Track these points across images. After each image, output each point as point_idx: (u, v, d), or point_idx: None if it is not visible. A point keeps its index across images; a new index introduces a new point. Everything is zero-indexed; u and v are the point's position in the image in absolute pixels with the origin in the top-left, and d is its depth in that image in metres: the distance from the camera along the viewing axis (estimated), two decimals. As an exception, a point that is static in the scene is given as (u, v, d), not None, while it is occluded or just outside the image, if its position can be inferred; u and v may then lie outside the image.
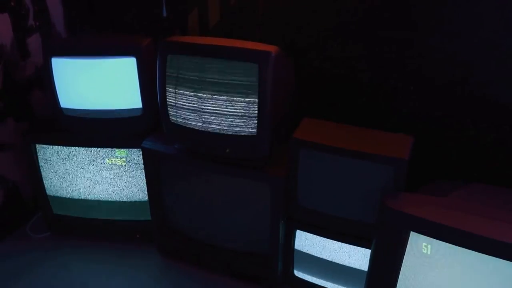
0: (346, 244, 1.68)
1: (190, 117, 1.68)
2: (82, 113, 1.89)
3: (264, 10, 1.96)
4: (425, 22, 1.69)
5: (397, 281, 1.38)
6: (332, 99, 1.96)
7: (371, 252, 1.45)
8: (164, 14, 2.17)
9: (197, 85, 1.62)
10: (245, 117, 1.60)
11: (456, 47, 1.67)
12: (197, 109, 1.66)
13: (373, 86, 1.87)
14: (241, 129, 1.63)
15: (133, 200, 2.04)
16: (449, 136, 1.79)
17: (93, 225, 2.12)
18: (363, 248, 1.64)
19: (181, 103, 1.68)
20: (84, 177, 2.01)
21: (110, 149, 1.94)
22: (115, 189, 2.02)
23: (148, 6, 2.19)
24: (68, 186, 2.04)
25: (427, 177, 1.68)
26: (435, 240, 1.27)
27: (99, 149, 1.94)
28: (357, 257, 1.68)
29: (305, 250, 1.78)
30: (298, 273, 1.85)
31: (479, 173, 1.74)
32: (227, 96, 1.59)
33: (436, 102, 1.77)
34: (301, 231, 1.75)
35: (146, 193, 1.97)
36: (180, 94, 1.66)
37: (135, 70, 1.79)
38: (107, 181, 2.01)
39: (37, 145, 1.97)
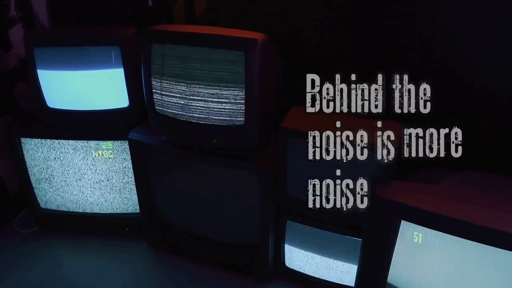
0: (337, 234, 1.66)
1: (177, 107, 1.65)
2: (67, 105, 1.85)
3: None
4: (415, 10, 1.68)
5: (388, 270, 1.37)
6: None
7: (362, 241, 1.44)
8: (150, 3, 2.14)
9: (183, 75, 1.59)
10: (232, 107, 1.58)
11: (447, 36, 1.65)
12: (184, 99, 1.62)
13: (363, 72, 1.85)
14: (229, 119, 1.60)
15: (121, 193, 2.01)
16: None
17: (81, 219, 2.09)
18: (354, 238, 1.62)
19: (167, 93, 1.64)
20: (70, 170, 1.98)
21: (96, 141, 1.91)
22: (102, 181, 1.99)
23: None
24: (54, 179, 2.01)
25: (418, 165, 1.66)
26: (426, 228, 1.26)
27: (85, 141, 1.91)
28: (348, 247, 1.66)
29: (296, 241, 1.76)
30: (289, 264, 1.83)
31: (470, 160, 1.72)
32: (213, 85, 1.56)
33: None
34: (291, 222, 1.73)
35: (134, 185, 1.94)
36: (166, 84, 1.63)
37: (119, 59, 1.76)
38: (93, 174, 1.97)
39: (21, 139, 1.93)
